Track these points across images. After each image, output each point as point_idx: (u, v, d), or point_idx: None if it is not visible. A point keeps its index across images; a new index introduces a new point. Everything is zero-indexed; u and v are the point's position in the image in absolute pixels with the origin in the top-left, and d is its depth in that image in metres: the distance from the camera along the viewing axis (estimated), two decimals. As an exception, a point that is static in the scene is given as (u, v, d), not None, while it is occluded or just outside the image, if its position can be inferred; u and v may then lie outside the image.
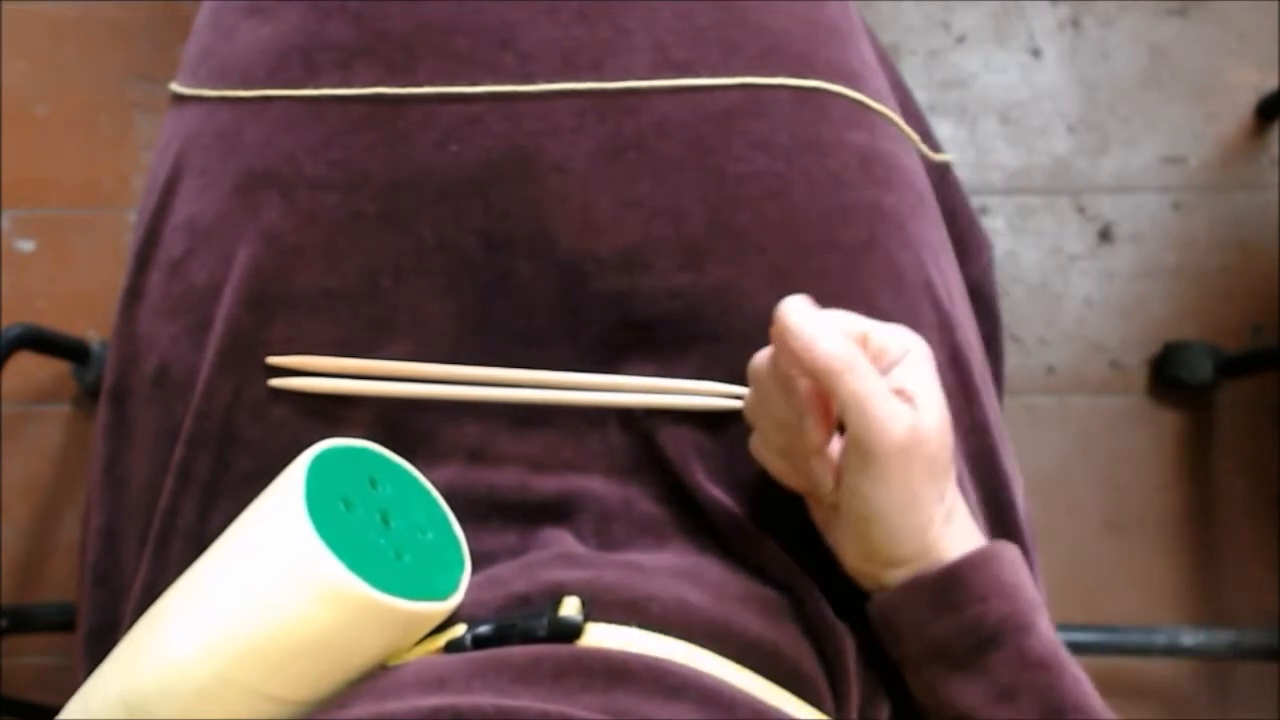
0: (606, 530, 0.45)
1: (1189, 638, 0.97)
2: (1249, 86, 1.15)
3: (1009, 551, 0.40)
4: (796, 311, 0.37)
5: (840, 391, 0.36)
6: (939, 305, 0.50)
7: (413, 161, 0.48)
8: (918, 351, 0.40)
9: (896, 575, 0.40)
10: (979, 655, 0.38)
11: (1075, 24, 1.17)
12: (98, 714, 0.37)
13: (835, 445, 0.41)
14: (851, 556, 0.41)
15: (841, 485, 0.39)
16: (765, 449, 0.43)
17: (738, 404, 0.46)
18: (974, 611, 0.38)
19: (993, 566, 0.39)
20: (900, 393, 0.38)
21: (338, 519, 0.36)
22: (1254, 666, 1.05)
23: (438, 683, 0.34)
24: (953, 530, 0.40)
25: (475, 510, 0.45)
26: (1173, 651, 0.97)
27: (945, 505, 0.39)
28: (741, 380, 0.45)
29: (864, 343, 0.39)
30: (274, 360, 0.47)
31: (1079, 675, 0.38)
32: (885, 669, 0.44)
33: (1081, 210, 1.14)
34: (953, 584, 0.38)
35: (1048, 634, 0.39)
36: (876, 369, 0.37)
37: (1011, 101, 1.16)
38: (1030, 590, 0.39)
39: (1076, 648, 0.97)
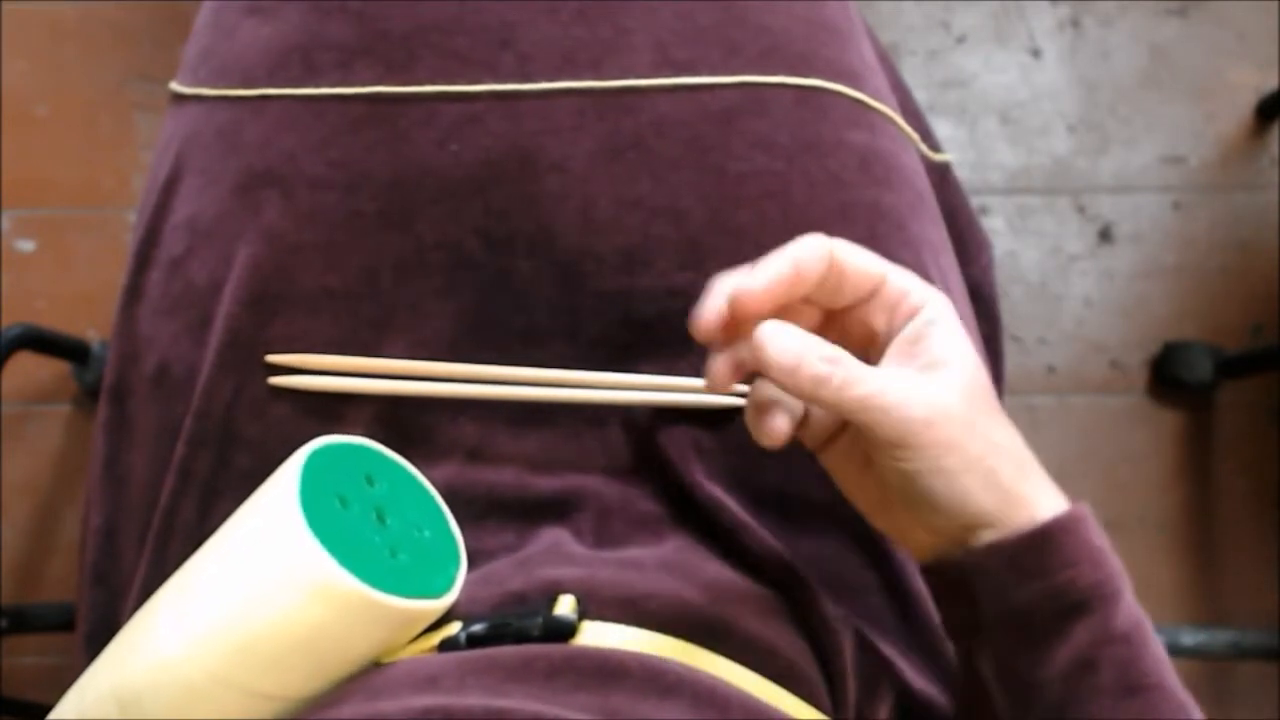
0: (605, 528, 0.45)
1: (1189, 638, 0.97)
2: (1249, 86, 1.15)
3: (1090, 514, 0.37)
4: (775, 338, 0.35)
5: (842, 405, 0.35)
6: (939, 305, 0.50)
7: (413, 161, 0.48)
8: (936, 304, 0.37)
9: (984, 536, 0.36)
10: (1063, 623, 0.35)
11: (1075, 24, 1.17)
12: (90, 710, 0.37)
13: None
14: (923, 536, 0.38)
15: (879, 474, 0.37)
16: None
17: (740, 401, 0.46)
18: (1063, 577, 0.35)
19: (1083, 529, 0.36)
20: (924, 355, 0.36)
21: (332, 516, 0.36)
22: (1254, 666, 1.05)
23: (430, 682, 0.34)
24: (1033, 482, 0.37)
25: (473, 508, 0.45)
26: (1173, 651, 0.96)
27: (1011, 451, 0.37)
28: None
29: (881, 284, 0.37)
30: (273, 358, 0.47)
31: (1160, 653, 0.37)
32: (884, 666, 0.44)
33: (1081, 210, 1.14)
34: (1042, 547, 0.36)
35: (1133, 605, 0.37)
36: (894, 315, 0.37)
37: (1011, 101, 1.16)
38: (1115, 557, 0.37)
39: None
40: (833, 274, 0.37)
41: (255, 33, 0.51)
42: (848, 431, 0.40)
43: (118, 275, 0.53)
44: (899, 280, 0.38)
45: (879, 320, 0.38)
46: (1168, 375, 1.09)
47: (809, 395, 0.35)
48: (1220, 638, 0.97)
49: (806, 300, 0.38)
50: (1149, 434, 1.10)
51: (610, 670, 0.35)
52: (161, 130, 0.55)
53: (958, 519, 0.36)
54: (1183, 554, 1.08)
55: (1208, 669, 1.06)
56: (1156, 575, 1.08)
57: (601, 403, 0.46)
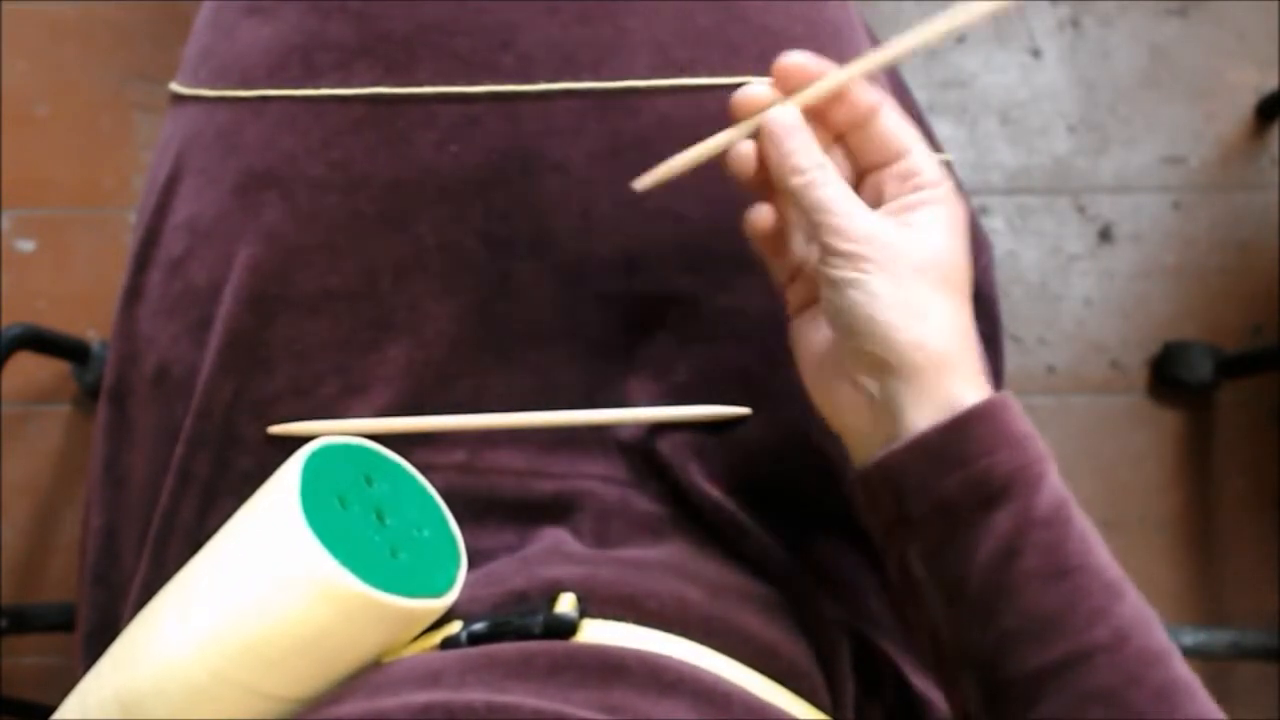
0: (605, 529, 0.45)
1: (1189, 638, 0.97)
2: (1249, 86, 1.15)
3: (1014, 402, 0.38)
4: (788, 117, 0.39)
5: (805, 197, 0.38)
6: (938, 305, 0.50)
7: (413, 161, 0.48)
8: (940, 190, 0.39)
9: (899, 393, 0.37)
10: (986, 512, 0.35)
11: (1075, 24, 1.17)
12: (93, 713, 0.37)
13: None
14: (857, 411, 0.39)
15: (809, 308, 0.41)
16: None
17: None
18: (982, 465, 0.36)
19: (1002, 415, 0.36)
20: (905, 219, 0.38)
21: (333, 516, 0.36)
22: (1254, 666, 1.05)
23: (431, 679, 0.34)
24: (959, 364, 0.38)
25: (474, 509, 0.45)
26: (1172, 652, 0.97)
27: (948, 327, 0.38)
28: (741, 378, 0.45)
29: (904, 155, 0.39)
30: (275, 430, 0.47)
31: (1087, 533, 0.36)
32: (884, 665, 0.44)
33: (1081, 210, 1.14)
34: (961, 436, 0.36)
35: (1056, 487, 0.37)
36: (903, 186, 0.39)
37: (1011, 101, 1.16)
38: (1039, 442, 0.37)
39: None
40: (874, 126, 0.40)
41: (255, 33, 0.51)
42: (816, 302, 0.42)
43: (118, 275, 0.53)
44: (920, 158, 0.39)
45: (892, 186, 0.40)
46: (1168, 375, 1.09)
47: (786, 182, 0.38)
48: (1220, 638, 0.97)
49: (845, 151, 0.41)
50: (1149, 434, 1.10)
51: (611, 667, 0.35)
52: (161, 130, 0.55)
53: (866, 349, 0.37)
54: (1183, 554, 1.08)
55: (1208, 669, 1.06)
56: (1156, 575, 1.08)
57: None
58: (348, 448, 0.39)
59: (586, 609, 0.39)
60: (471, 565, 0.42)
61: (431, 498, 0.42)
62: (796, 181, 0.38)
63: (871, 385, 0.38)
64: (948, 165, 0.63)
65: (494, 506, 0.46)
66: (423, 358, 0.47)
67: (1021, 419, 0.37)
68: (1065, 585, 0.35)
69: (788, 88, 0.40)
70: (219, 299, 0.48)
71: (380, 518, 0.38)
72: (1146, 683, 0.34)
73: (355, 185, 0.48)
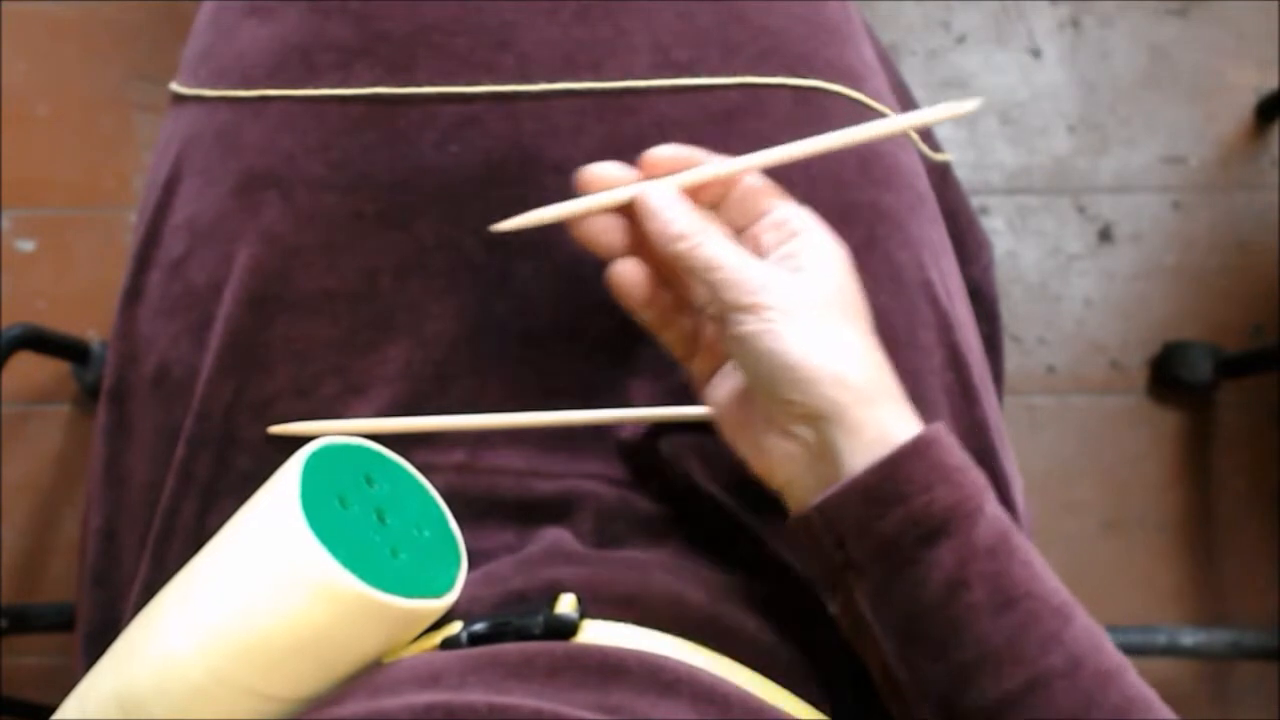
0: (605, 529, 0.45)
1: (1189, 638, 0.97)
2: (1249, 86, 1.15)
3: (945, 432, 0.37)
4: (659, 190, 0.39)
5: (693, 260, 0.38)
6: (938, 305, 0.50)
7: (412, 162, 0.48)
8: (816, 232, 0.40)
9: (831, 434, 0.37)
10: (928, 548, 0.35)
11: (1075, 24, 1.17)
12: (93, 713, 0.37)
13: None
14: (786, 456, 0.39)
15: (717, 375, 0.41)
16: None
17: None
18: (920, 502, 0.35)
19: (935, 451, 0.36)
20: (792, 264, 0.39)
21: (333, 516, 0.36)
22: (1254, 666, 1.05)
23: (432, 680, 0.34)
24: (891, 400, 0.38)
25: (474, 509, 0.45)
26: (1173, 651, 0.97)
27: (860, 356, 0.38)
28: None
29: (773, 208, 0.40)
30: (274, 430, 0.47)
31: (1031, 559, 0.37)
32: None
33: (1081, 210, 1.14)
34: (895, 475, 0.36)
35: (997, 517, 0.36)
36: (779, 234, 0.40)
37: (1011, 101, 1.16)
38: (975, 471, 0.37)
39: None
40: (738, 189, 0.40)
41: (255, 33, 0.51)
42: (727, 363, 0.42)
43: (118, 275, 0.53)
44: (788, 207, 0.40)
45: (769, 237, 0.40)
46: (1168, 375, 1.09)
47: (670, 249, 0.38)
48: (1220, 638, 0.97)
49: (725, 220, 0.41)
50: (1149, 434, 1.10)
51: (611, 667, 0.35)
52: (161, 130, 0.55)
53: (790, 395, 0.37)
54: (1183, 554, 1.08)
55: (1208, 669, 1.06)
56: (1156, 575, 1.08)
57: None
58: (348, 448, 0.39)
59: (586, 609, 0.39)
60: (471, 565, 0.42)
61: (432, 498, 0.42)
62: (682, 246, 0.38)
63: (804, 432, 0.38)
64: (948, 165, 0.63)
65: (494, 506, 0.46)
66: (422, 358, 0.47)
67: (954, 451, 0.37)
68: (1015, 614, 0.35)
69: (654, 176, 0.40)
70: (219, 299, 0.48)
71: (380, 518, 0.38)
72: (1105, 704, 0.34)
73: (355, 185, 0.48)
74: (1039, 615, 0.35)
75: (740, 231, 0.41)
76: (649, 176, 0.40)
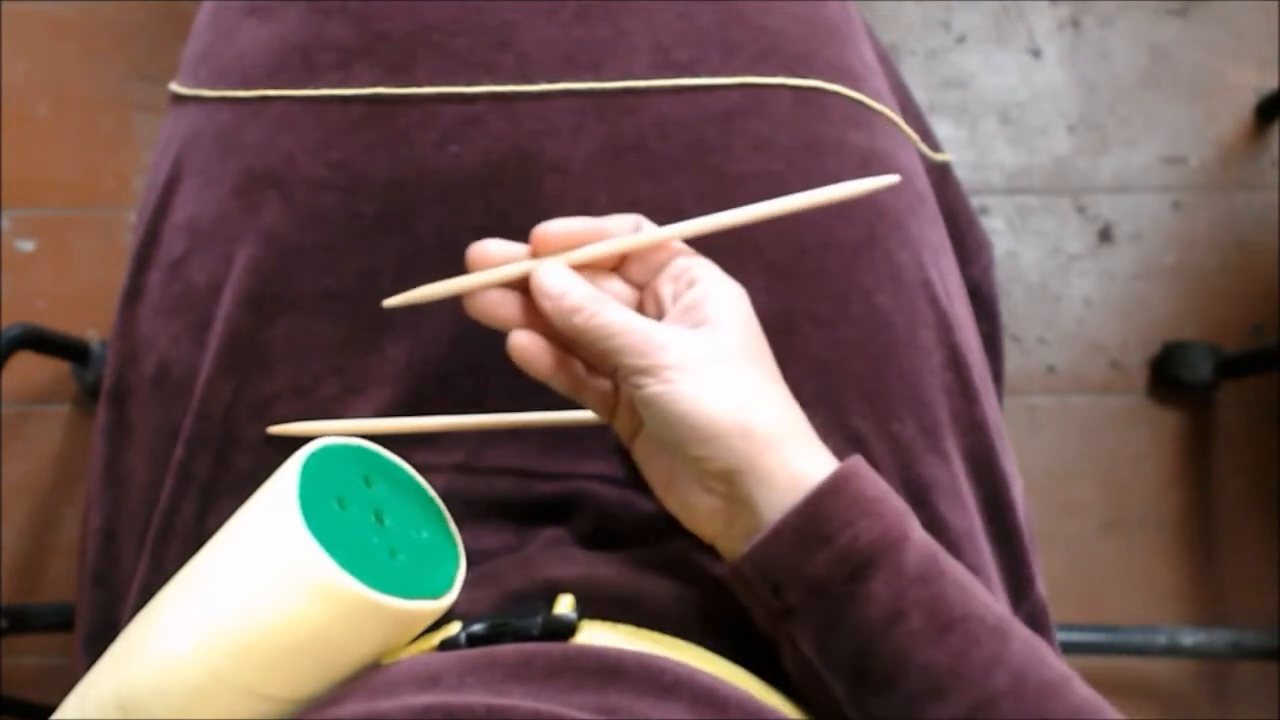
0: (605, 529, 0.45)
1: (1189, 638, 0.97)
2: (1249, 86, 1.15)
3: (863, 464, 0.37)
4: (548, 267, 0.39)
5: (593, 330, 0.38)
6: (938, 305, 0.50)
7: (412, 162, 0.48)
8: (713, 280, 0.40)
9: (748, 488, 0.37)
10: (859, 584, 0.35)
11: (1075, 24, 1.17)
12: (93, 713, 0.37)
13: None
14: (708, 512, 0.39)
15: (641, 431, 0.40)
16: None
17: None
18: (844, 540, 0.35)
19: (853, 485, 0.36)
20: (695, 317, 0.38)
21: (331, 517, 0.36)
22: (1254, 666, 1.05)
23: (430, 681, 0.34)
24: (802, 441, 0.38)
25: (473, 509, 0.45)
26: (1173, 651, 0.97)
27: (766, 401, 0.38)
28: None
29: (670, 259, 0.40)
30: (274, 430, 0.47)
31: (962, 580, 0.37)
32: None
33: (1081, 210, 1.14)
34: (816, 516, 0.36)
35: (923, 542, 0.37)
36: (678, 286, 0.40)
37: (1011, 101, 1.16)
38: (894, 499, 0.37)
39: (1076, 648, 0.97)
40: (632, 250, 0.40)
41: (255, 33, 0.51)
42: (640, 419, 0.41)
43: (118, 275, 0.53)
44: (684, 255, 0.40)
45: (667, 290, 0.40)
46: (1168, 375, 1.09)
47: (566, 323, 0.38)
48: (1220, 638, 0.97)
49: (625, 279, 0.41)
50: (1149, 434, 1.10)
51: (610, 669, 0.35)
52: (161, 131, 0.55)
53: (703, 455, 0.37)
54: (1183, 554, 1.08)
55: (1208, 669, 1.06)
56: (1156, 575, 1.08)
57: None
58: (347, 448, 0.39)
59: (585, 610, 0.39)
60: (470, 565, 0.41)
61: (431, 498, 0.42)
62: (578, 320, 0.38)
63: (721, 486, 0.38)
64: (947, 165, 0.63)
65: (493, 507, 0.46)
66: (422, 358, 0.47)
67: (871, 482, 0.37)
68: (954, 638, 0.35)
69: (544, 253, 0.40)
70: (219, 299, 0.48)
71: (379, 519, 0.38)
72: (1054, 715, 0.34)
73: (355, 185, 0.48)
74: (978, 637, 0.35)
75: (642, 287, 0.41)
76: (539, 251, 0.40)
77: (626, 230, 0.40)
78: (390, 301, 0.42)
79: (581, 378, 0.42)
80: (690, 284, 0.39)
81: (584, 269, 0.40)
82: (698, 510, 0.39)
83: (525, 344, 0.40)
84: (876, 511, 0.36)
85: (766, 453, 0.37)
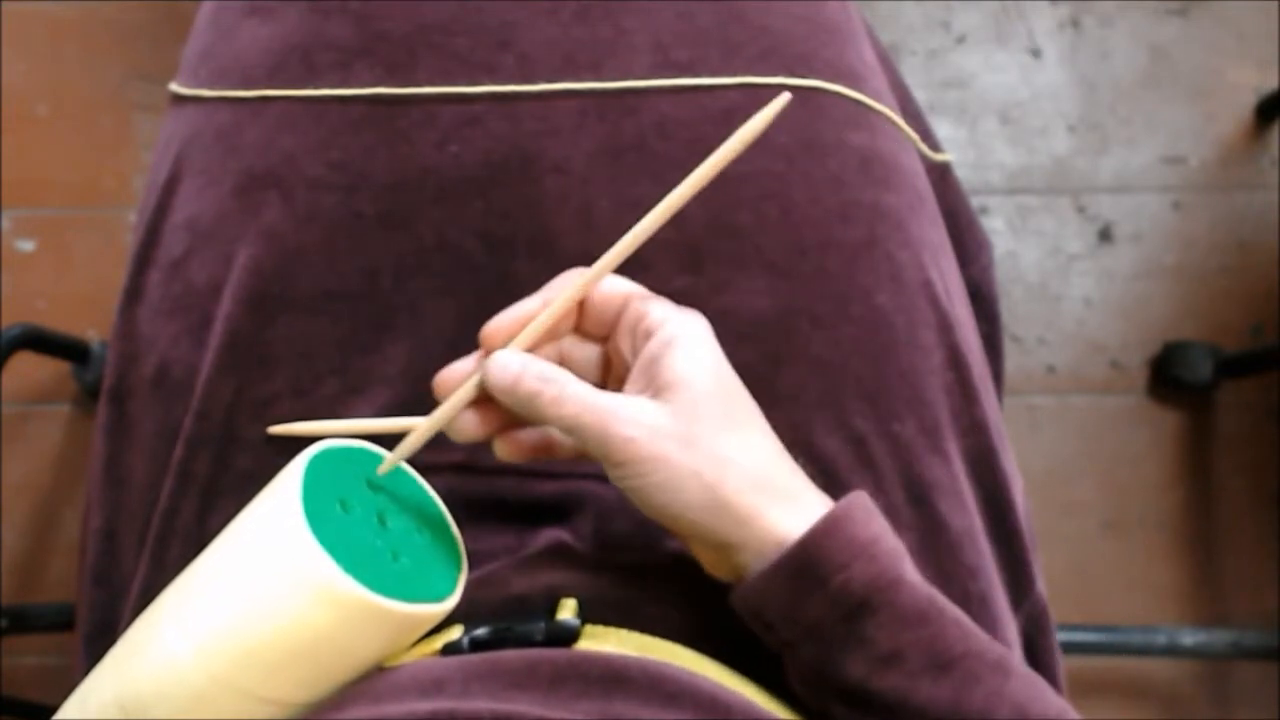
0: (605, 530, 0.45)
1: (1189, 638, 0.97)
2: (1249, 86, 1.15)
3: (857, 505, 0.37)
4: (496, 359, 0.37)
5: (557, 421, 0.36)
6: (938, 305, 0.50)
7: (412, 162, 0.48)
8: (673, 324, 0.37)
9: (740, 557, 0.37)
10: (854, 625, 0.35)
11: (1075, 24, 1.17)
12: (94, 714, 0.37)
13: None
14: (706, 557, 0.39)
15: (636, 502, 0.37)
16: None
17: None
18: (838, 583, 0.35)
19: (846, 528, 0.36)
20: (659, 377, 0.36)
21: (334, 520, 0.36)
22: (1254, 666, 1.05)
23: (435, 686, 0.34)
24: (771, 495, 0.37)
25: (474, 511, 0.45)
26: (1173, 651, 0.97)
27: (744, 466, 0.36)
28: (741, 378, 0.45)
29: (624, 307, 0.38)
30: (274, 430, 0.46)
31: (959, 618, 0.36)
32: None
33: (1081, 210, 1.14)
34: (810, 559, 0.35)
35: (916, 584, 0.36)
36: (636, 338, 0.37)
37: (1011, 101, 1.16)
38: (889, 539, 0.37)
39: (1076, 648, 0.97)
40: (586, 304, 0.38)
41: (255, 33, 0.51)
42: None
43: (118, 275, 0.53)
44: (640, 302, 0.38)
45: (625, 345, 0.38)
46: (1168, 375, 1.09)
47: (527, 411, 0.36)
48: (1220, 638, 0.97)
49: (584, 337, 0.39)
50: (1149, 434, 1.10)
51: (614, 676, 0.35)
52: (161, 131, 0.55)
53: (689, 534, 0.37)
54: (1183, 554, 1.08)
55: (1208, 669, 1.06)
56: (1156, 575, 1.08)
57: None
58: (349, 451, 0.39)
59: (587, 616, 0.39)
60: (471, 566, 0.41)
61: (433, 501, 0.42)
62: (539, 404, 0.36)
63: (707, 555, 0.38)
64: (947, 165, 0.63)
65: (493, 507, 0.46)
66: (422, 358, 0.47)
67: (865, 523, 0.36)
68: (955, 676, 0.35)
69: (496, 348, 0.38)
70: (219, 299, 0.48)
71: (382, 521, 0.38)
72: None
73: (355, 185, 0.48)
74: (978, 675, 0.35)
75: (605, 341, 0.40)
76: (491, 349, 0.38)
77: (566, 289, 0.38)
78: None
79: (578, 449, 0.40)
80: (648, 335, 0.37)
81: (541, 344, 0.38)
82: (692, 548, 0.39)
83: (508, 444, 0.39)
84: (870, 554, 0.36)
85: (747, 525, 0.36)
